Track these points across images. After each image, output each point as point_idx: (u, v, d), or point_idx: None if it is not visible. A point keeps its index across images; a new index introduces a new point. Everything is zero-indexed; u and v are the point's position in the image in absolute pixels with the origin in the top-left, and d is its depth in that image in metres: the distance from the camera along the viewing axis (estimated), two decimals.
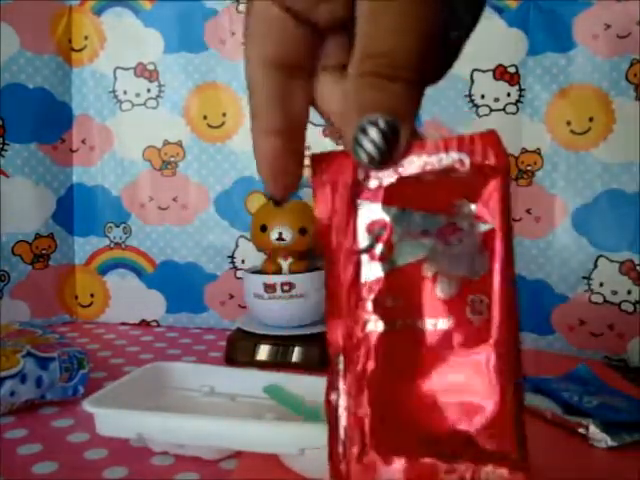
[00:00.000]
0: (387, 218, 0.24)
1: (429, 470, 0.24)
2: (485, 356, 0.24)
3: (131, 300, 0.87)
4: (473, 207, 0.24)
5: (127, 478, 0.44)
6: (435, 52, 0.24)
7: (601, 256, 0.75)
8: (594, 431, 0.49)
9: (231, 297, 0.85)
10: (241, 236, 0.84)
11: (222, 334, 0.79)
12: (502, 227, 0.24)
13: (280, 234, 0.70)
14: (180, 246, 0.86)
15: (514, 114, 0.76)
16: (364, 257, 0.25)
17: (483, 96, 0.77)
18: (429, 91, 0.84)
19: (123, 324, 0.87)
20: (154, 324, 0.87)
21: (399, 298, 0.24)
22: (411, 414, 0.24)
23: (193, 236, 0.85)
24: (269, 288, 0.70)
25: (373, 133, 0.22)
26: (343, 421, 0.25)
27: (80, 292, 0.89)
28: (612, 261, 0.75)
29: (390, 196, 0.24)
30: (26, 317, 0.82)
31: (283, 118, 0.26)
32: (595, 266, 0.75)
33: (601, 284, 0.75)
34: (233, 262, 0.85)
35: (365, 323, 0.25)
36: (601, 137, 0.73)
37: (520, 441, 0.23)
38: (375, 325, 0.24)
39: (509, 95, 0.76)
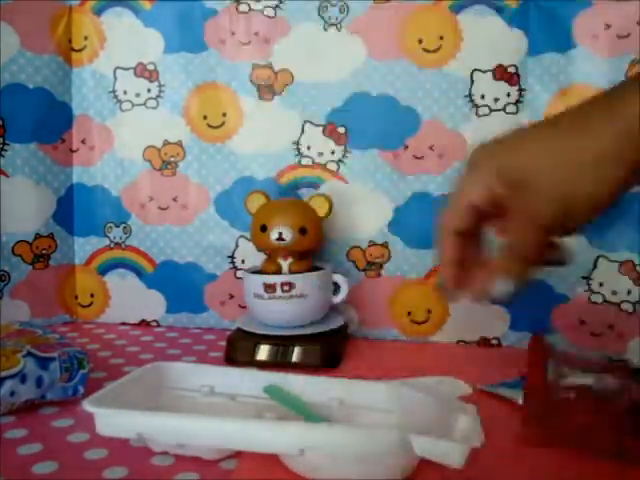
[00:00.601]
0: None
1: None
2: None
3: (131, 300, 0.87)
4: None
5: (127, 478, 0.44)
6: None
7: (601, 256, 0.75)
8: None
9: (231, 297, 0.85)
10: (241, 236, 0.84)
11: (222, 334, 0.79)
12: None
13: (280, 234, 0.70)
14: (180, 246, 0.86)
15: (514, 114, 0.76)
16: None
17: (483, 96, 0.77)
18: (429, 91, 0.84)
19: (123, 324, 0.87)
20: (154, 324, 0.87)
21: None
22: None
23: (193, 236, 0.85)
24: (269, 288, 0.70)
25: (503, 286, 0.42)
26: None
27: (80, 292, 0.89)
28: (612, 261, 0.75)
29: None
30: (26, 317, 0.82)
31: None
32: (595, 266, 0.75)
33: (601, 284, 0.75)
34: (233, 262, 0.85)
35: None
36: None
37: None
38: None
39: (509, 95, 0.76)
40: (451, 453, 0.37)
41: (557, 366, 0.47)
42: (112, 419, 0.44)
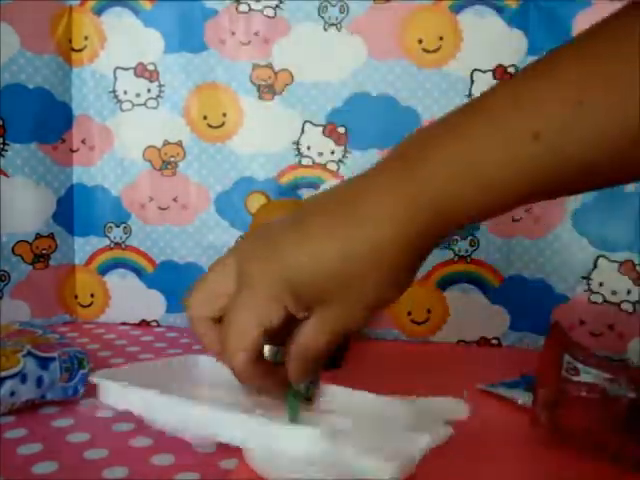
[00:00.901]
0: None
1: None
2: None
3: (131, 300, 0.87)
4: None
5: (127, 478, 0.44)
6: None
7: (601, 256, 0.75)
8: None
9: None
10: (241, 236, 0.84)
11: None
12: None
13: None
14: (180, 246, 0.86)
15: None
16: None
17: None
18: (429, 91, 0.84)
19: (123, 324, 0.87)
20: (154, 324, 0.87)
21: None
22: None
23: (193, 236, 0.85)
24: None
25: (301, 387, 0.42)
26: None
27: (80, 292, 0.89)
28: (612, 261, 0.75)
29: None
30: (26, 317, 0.82)
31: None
32: (595, 266, 0.75)
33: (601, 284, 0.75)
34: None
35: None
36: None
37: None
38: None
39: None
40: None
41: (571, 360, 0.46)
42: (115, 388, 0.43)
